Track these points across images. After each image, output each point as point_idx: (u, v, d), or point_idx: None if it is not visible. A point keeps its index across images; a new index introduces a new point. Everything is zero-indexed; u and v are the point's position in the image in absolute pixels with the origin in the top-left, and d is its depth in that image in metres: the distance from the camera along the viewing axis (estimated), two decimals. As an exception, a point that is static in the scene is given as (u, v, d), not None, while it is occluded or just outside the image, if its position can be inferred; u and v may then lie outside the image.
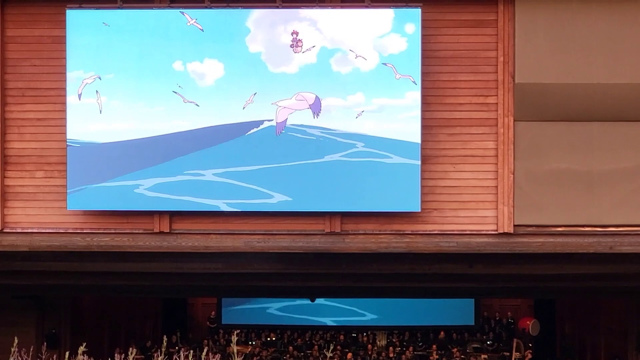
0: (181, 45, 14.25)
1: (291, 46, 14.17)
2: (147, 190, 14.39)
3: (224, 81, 14.30)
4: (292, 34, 14.16)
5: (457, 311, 28.91)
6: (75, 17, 14.25)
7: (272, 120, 14.31)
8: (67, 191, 14.41)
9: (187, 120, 14.34)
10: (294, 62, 14.26)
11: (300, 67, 14.27)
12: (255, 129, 14.37)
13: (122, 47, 14.27)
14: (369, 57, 14.19)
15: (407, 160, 14.19)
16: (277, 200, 14.36)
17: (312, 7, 14.20)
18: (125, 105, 14.35)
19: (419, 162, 14.21)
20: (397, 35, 14.13)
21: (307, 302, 28.28)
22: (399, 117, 14.17)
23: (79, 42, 14.26)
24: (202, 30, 14.20)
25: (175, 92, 14.27)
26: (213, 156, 14.38)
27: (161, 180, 14.39)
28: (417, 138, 14.18)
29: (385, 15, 14.12)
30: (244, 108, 14.31)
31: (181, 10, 14.22)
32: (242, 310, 29.66)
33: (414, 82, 14.10)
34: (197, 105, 14.31)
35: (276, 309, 29.59)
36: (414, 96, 14.13)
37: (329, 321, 29.47)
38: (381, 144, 14.25)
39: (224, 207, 14.40)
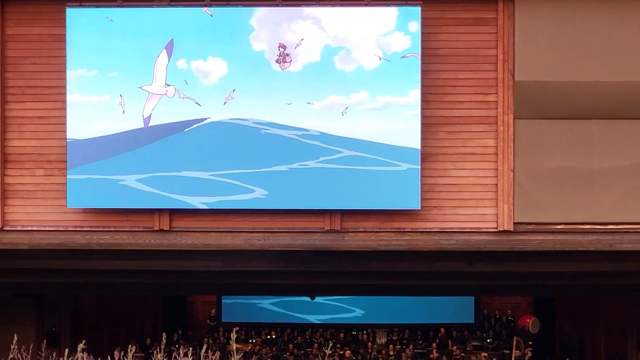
0: (184, 43, 14.24)
1: (277, 61, 14.17)
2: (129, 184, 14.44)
3: (228, 79, 14.30)
4: (278, 47, 14.15)
5: (457, 309, 28.97)
6: (75, 16, 14.25)
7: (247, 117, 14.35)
8: (68, 176, 14.43)
9: (189, 118, 14.36)
10: (298, 61, 14.26)
11: (304, 65, 14.26)
12: (196, 125, 14.39)
13: (124, 45, 14.25)
14: (373, 55, 14.18)
15: (407, 166, 14.18)
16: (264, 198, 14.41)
17: (312, 5, 14.20)
18: (129, 103, 14.34)
19: (419, 167, 14.20)
20: (400, 33, 14.12)
21: (296, 298, 28.43)
22: (403, 115, 14.13)
23: (79, 41, 14.26)
24: (212, 15, 14.17)
25: (168, 84, 14.25)
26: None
27: (138, 177, 14.43)
28: (416, 142, 14.19)
29: (389, 13, 14.11)
30: (224, 104, 14.32)
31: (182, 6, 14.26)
32: (233, 305, 29.68)
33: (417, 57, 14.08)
34: (197, 103, 14.30)
35: (268, 304, 29.64)
36: (418, 94, 14.13)
37: (313, 319, 29.52)
38: (380, 150, 14.27)
39: (200, 205, 14.45)
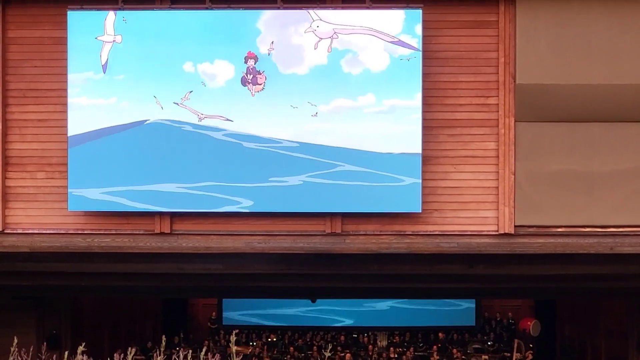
0: (191, 46, 14.22)
1: (243, 82, 14.14)
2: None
3: (235, 82, 14.28)
4: (246, 59, 14.09)
5: (458, 312, 28.94)
6: (76, 19, 14.22)
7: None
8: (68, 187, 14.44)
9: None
10: (305, 63, 14.23)
11: (311, 68, 14.23)
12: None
13: (129, 48, 14.25)
14: (380, 58, 14.16)
15: (410, 180, 14.18)
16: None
17: (313, 7, 14.19)
18: (135, 106, 14.34)
19: (420, 181, 14.22)
20: (407, 36, 14.11)
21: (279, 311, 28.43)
22: (409, 118, 14.12)
23: (82, 43, 14.24)
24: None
25: (178, 104, 14.26)
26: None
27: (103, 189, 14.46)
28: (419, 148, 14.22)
29: (396, 16, 14.07)
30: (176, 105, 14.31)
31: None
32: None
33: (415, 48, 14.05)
34: (228, 119, 14.23)
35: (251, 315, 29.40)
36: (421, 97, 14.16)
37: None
38: (382, 162, 14.27)
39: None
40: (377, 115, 14.20)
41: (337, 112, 14.24)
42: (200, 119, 14.26)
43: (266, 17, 14.19)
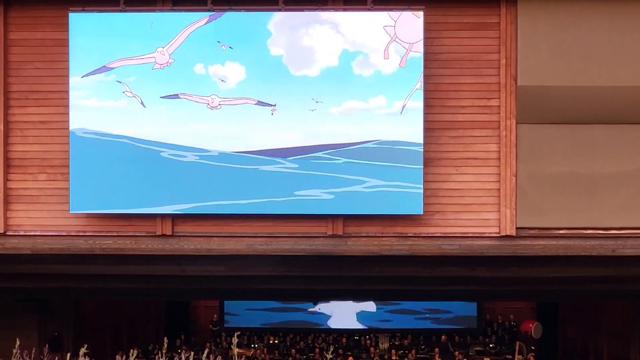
0: (201, 47, 14.23)
1: None
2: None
3: (245, 84, 14.28)
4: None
5: (459, 314, 28.94)
6: (77, 20, 14.20)
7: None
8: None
9: (207, 124, 14.34)
10: (316, 65, 14.22)
11: (322, 70, 14.23)
12: None
13: (134, 49, 14.26)
14: (391, 60, 14.16)
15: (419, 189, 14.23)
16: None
17: (315, 9, 14.18)
18: (144, 108, 14.35)
19: (421, 191, 14.24)
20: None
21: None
22: (419, 119, 14.16)
23: (88, 45, 14.23)
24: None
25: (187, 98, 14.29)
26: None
27: None
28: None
29: (406, 17, 14.05)
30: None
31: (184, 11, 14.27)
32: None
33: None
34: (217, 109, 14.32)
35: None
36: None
37: None
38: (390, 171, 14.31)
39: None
40: (387, 117, 14.19)
41: (349, 113, 14.23)
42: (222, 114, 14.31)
43: (277, 19, 14.17)
